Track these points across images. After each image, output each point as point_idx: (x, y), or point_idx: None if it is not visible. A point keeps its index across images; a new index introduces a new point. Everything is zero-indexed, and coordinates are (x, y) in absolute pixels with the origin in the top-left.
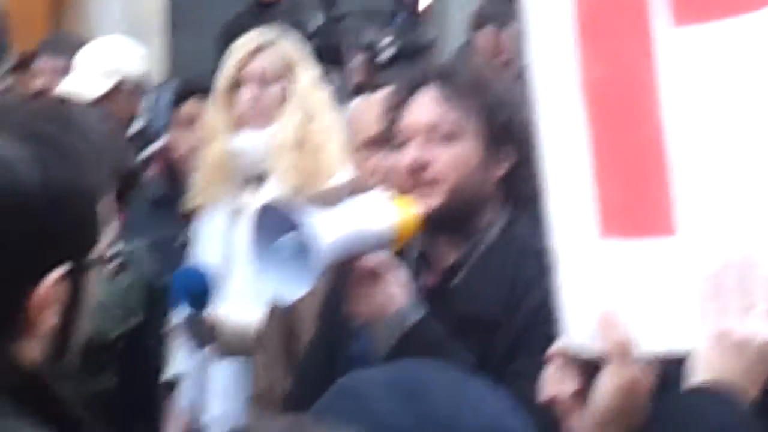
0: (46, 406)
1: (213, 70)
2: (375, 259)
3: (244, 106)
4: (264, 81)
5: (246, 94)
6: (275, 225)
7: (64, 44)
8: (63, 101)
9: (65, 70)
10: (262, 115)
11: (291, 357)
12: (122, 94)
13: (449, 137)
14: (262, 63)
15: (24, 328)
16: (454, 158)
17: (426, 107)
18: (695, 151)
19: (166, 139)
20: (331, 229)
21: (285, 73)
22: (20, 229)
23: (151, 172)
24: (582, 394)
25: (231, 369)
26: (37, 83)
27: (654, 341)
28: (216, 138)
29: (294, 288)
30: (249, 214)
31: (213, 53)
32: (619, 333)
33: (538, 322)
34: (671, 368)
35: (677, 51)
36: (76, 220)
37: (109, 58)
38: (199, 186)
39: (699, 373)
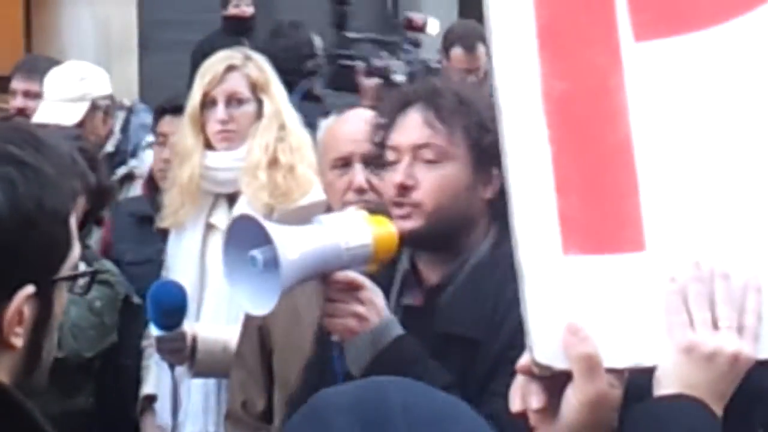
0: (16, 424)
1: (183, 89)
2: (347, 276)
3: (214, 127)
4: (234, 101)
5: (216, 114)
6: (248, 238)
7: (37, 67)
8: (29, 122)
9: (38, 93)
10: (232, 135)
11: (267, 374)
12: (94, 116)
13: (436, 159)
14: (232, 84)
15: None
16: (439, 181)
17: (413, 128)
18: (663, 166)
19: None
20: (299, 245)
21: (255, 93)
22: None
23: (140, 189)
24: (551, 407)
25: (205, 387)
26: (14, 104)
27: (620, 356)
28: (187, 157)
29: (262, 302)
30: (221, 233)
31: (182, 73)
32: (584, 348)
33: (519, 343)
34: (638, 381)
35: (641, 65)
36: (43, 239)
37: (77, 84)
38: (171, 205)
39: (666, 386)
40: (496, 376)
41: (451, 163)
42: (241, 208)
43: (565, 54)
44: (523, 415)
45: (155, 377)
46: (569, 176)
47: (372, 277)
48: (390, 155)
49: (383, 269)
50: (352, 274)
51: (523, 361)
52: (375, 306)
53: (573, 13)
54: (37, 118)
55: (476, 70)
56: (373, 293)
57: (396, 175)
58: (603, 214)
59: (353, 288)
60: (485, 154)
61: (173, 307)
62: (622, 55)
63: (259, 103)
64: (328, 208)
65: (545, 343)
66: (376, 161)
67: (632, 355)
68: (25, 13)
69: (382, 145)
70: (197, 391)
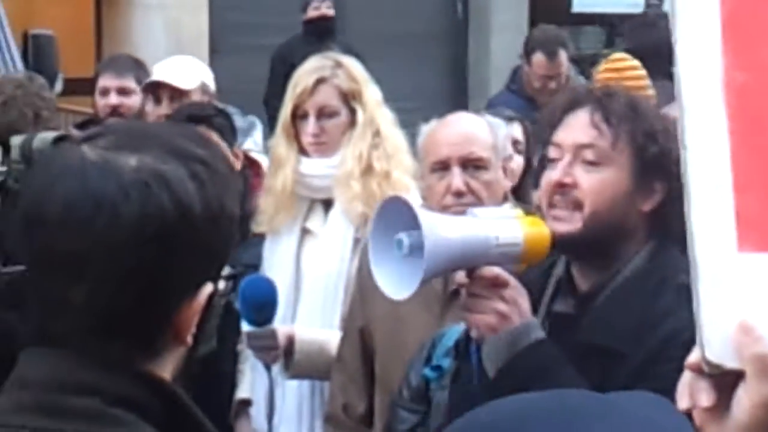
0: (182, 427)
1: (254, 93)
2: (493, 271)
3: (307, 138)
4: (325, 114)
5: (308, 127)
6: (398, 220)
7: (125, 65)
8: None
9: (132, 90)
10: (325, 148)
11: (368, 377)
12: (201, 97)
13: (597, 161)
14: (322, 97)
15: (168, 344)
16: (599, 183)
17: (578, 128)
18: None
19: None
20: (448, 232)
21: (347, 102)
22: (183, 244)
23: None
24: (720, 406)
25: (299, 391)
26: (108, 102)
27: None
28: (281, 165)
29: (402, 287)
30: (317, 238)
31: (253, 77)
32: (757, 348)
33: (664, 358)
34: None
35: None
36: (226, 238)
37: (195, 65)
38: (266, 211)
39: None
40: (635, 389)
41: (612, 167)
42: (336, 215)
43: (748, 46)
44: (688, 414)
45: (250, 381)
46: (747, 171)
47: (525, 280)
48: (552, 152)
49: (539, 273)
50: (498, 270)
51: (693, 358)
52: (518, 306)
53: (758, 5)
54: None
55: (557, 77)
56: (518, 293)
57: (554, 173)
58: None
59: (498, 285)
60: (649, 165)
61: (263, 302)
62: None
63: (352, 111)
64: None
65: (717, 341)
66: (479, 164)
67: None
68: (96, 18)
69: (547, 143)
70: (291, 395)
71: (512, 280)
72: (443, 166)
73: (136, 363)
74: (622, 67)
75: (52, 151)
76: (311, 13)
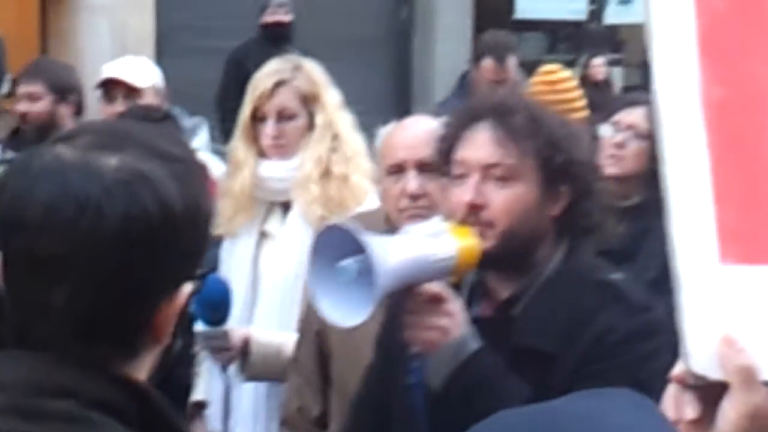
0: (158, 430)
1: (200, 95)
2: (433, 289)
3: (266, 141)
4: (285, 116)
5: (268, 129)
6: (334, 248)
7: (39, 68)
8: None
9: (40, 96)
10: (284, 150)
11: (324, 380)
12: (153, 98)
13: (505, 178)
14: (281, 99)
15: (146, 345)
16: (509, 200)
17: (482, 146)
18: None
19: None
20: (394, 254)
21: (306, 105)
22: (165, 244)
23: None
24: (705, 419)
25: (255, 393)
26: (19, 108)
27: None
28: (239, 168)
29: (351, 314)
30: (275, 240)
31: (199, 79)
32: (740, 359)
33: (595, 357)
34: None
35: None
36: (203, 237)
37: (147, 66)
38: (224, 214)
39: None
40: (572, 390)
41: (520, 182)
42: (295, 218)
43: (725, 61)
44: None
45: (205, 384)
46: (728, 184)
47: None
48: (456, 169)
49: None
50: (438, 287)
51: (677, 370)
52: (458, 319)
53: (734, 20)
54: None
55: (506, 82)
56: (455, 305)
57: (465, 194)
58: (760, 223)
59: (438, 301)
60: (555, 173)
61: (217, 302)
62: None
63: (311, 114)
64: (387, 217)
65: (701, 353)
66: (433, 169)
67: None
68: (41, 19)
69: (446, 157)
70: (247, 397)
71: (450, 294)
72: (399, 169)
73: (114, 365)
74: (555, 80)
75: (28, 153)
76: (268, 18)
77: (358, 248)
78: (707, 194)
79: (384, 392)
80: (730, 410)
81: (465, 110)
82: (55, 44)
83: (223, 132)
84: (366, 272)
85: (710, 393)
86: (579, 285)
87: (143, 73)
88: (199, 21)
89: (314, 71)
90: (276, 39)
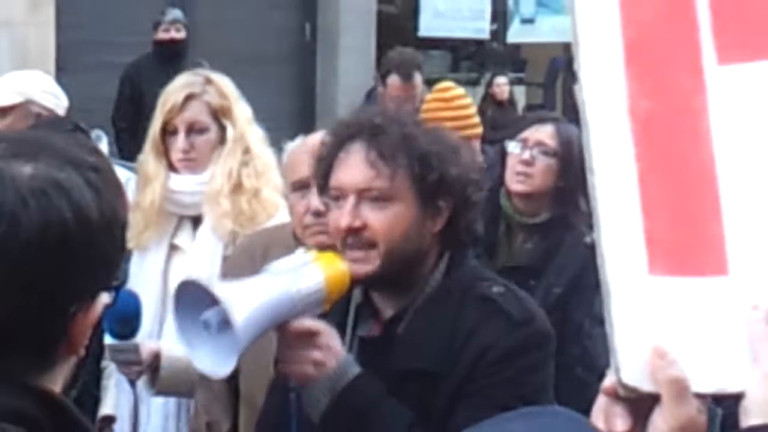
0: None
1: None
2: (302, 325)
3: (177, 155)
4: (195, 130)
5: (178, 143)
6: (198, 300)
7: None
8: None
9: None
10: (194, 164)
11: (233, 395)
12: (21, 117)
13: (382, 198)
14: (192, 113)
15: (61, 355)
16: (388, 221)
17: (355, 169)
18: (746, 191)
19: None
20: (250, 301)
21: (217, 118)
22: (81, 253)
23: None
24: (634, 431)
25: (165, 408)
26: None
27: (705, 380)
28: (149, 181)
29: (221, 363)
30: (185, 254)
31: (100, 95)
32: (672, 371)
33: (477, 374)
34: (734, 409)
35: (724, 89)
36: (119, 246)
37: (20, 83)
38: (134, 227)
39: (755, 415)
40: (456, 409)
41: (397, 202)
42: (205, 232)
43: (650, 73)
44: None
45: (114, 398)
46: (655, 196)
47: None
48: (334, 192)
49: (337, 301)
50: (308, 322)
51: (608, 382)
52: (332, 350)
53: (658, 32)
54: None
55: (412, 98)
56: (330, 337)
57: (342, 219)
58: (687, 235)
59: (309, 335)
60: (430, 190)
61: (126, 315)
62: (706, 78)
63: (222, 128)
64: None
65: (632, 365)
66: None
67: (718, 380)
68: None
69: (325, 178)
70: (157, 412)
71: (322, 327)
72: (304, 186)
73: (28, 376)
74: (449, 97)
75: None
76: (161, 35)
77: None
78: (635, 206)
79: (278, 426)
80: (661, 423)
81: (339, 129)
82: None
83: (119, 148)
84: (227, 321)
85: (640, 405)
86: (459, 300)
87: (8, 90)
88: (101, 36)
89: (225, 85)
90: (169, 56)
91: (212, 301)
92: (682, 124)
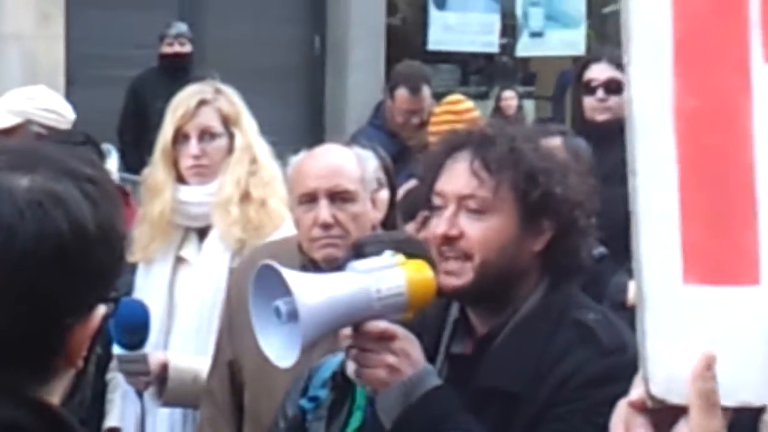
0: None
1: (110, 124)
2: (378, 326)
3: (187, 162)
4: (207, 136)
5: (190, 149)
6: (275, 287)
7: None
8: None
9: None
10: (205, 171)
11: (237, 410)
12: (25, 136)
13: (482, 210)
14: (204, 118)
15: (59, 368)
16: (485, 232)
17: (459, 177)
18: None
19: None
20: (322, 293)
21: (227, 126)
22: (78, 265)
23: None
24: None
25: (171, 419)
26: None
27: (730, 393)
28: (158, 192)
29: (286, 353)
30: (191, 266)
31: (109, 108)
32: (708, 384)
33: (559, 399)
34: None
35: None
36: (117, 258)
37: (18, 102)
38: (141, 240)
39: None
40: (536, 431)
41: (497, 215)
42: (213, 242)
43: (698, 70)
44: None
45: (119, 410)
46: (694, 200)
47: (422, 321)
48: (436, 200)
49: (435, 313)
50: (384, 324)
51: (635, 395)
52: (409, 357)
53: (709, 27)
54: None
55: (420, 111)
56: (408, 343)
57: (440, 226)
58: (722, 243)
59: (385, 338)
60: (533, 207)
61: (136, 325)
62: (752, 76)
63: (231, 136)
64: (300, 245)
65: (661, 376)
66: (344, 198)
67: (744, 393)
68: None
69: (430, 188)
70: (163, 424)
71: (400, 332)
72: (310, 199)
73: (26, 388)
74: (461, 110)
75: None
76: (165, 49)
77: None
78: (674, 211)
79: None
80: None
81: (447, 140)
82: None
83: (124, 162)
84: (296, 314)
85: (663, 415)
86: (554, 324)
87: (5, 112)
88: (111, 50)
89: (233, 96)
90: (174, 70)
91: (287, 289)
92: (724, 124)
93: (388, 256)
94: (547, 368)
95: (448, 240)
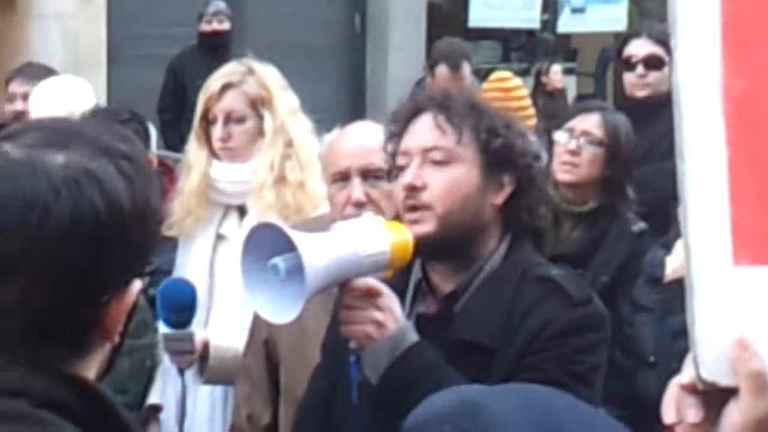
0: (108, 429)
1: (150, 103)
2: (366, 283)
3: (216, 144)
4: (233, 119)
5: (216, 131)
6: (266, 246)
7: (36, 73)
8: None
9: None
10: (233, 153)
11: (273, 387)
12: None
13: (445, 161)
14: (228, 102)
15: (95, 343)
16: (449, 182)
17: (422, 132)
18: None
19: None
20: (323, 252)
21: (256, 109)
22: (114, 241)
23: None
24: (705, 423)
25: (212, 397)
26: (13, 108)
27: None
28: (192, 168)
29: (283, 311)
30: (231, 243)
31: (150, 87)
32: (754, 364)
33: (533, 349)
34: None
35: None
36: (152, 234)
37: (61, 99)
38: (177, 214)
39: None
40: (511, 382)
41: (459, 164)
42: (252, 219)
43: (747, 52)
44: (671, 428)
45: (160, 387)
46: (744, 182)
47: (385, 284)
48: (401, 160)
49: (397, 277)
50: (371, 281)
51: (687, 378)
52: (393, 313)
53: (757, 10)
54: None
55: (460, 89)
56: (390, 299)
57: (405, 177)
58: None
59: (372, 295)
60: (495, 158)
61: (183, 304)
62: None
63: (261, 118)
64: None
65: (711, 358)
66: (378, 176)
67: None
68: None
69: (394, 154)
70: (204, 401)
71: (384, 288)
72: (343, 177)
73: (64, 363)
74: (509, 87)
75: None
76: (204, 27)
77: (288, 246)
78: (723, 194)
79: (332, 394)
80: (737, 415)
81: (408, 106)
82: (6, 52)
83: (164, 140)
84: (296, 270)
85: (714, 395)
86: (518, 280)
87: (61, 105)
88: (151, 29)
89: (268, 75)
90: (212, 48)
91: (284, 247)
92: None
93: (370, 217)
94: (518, 321)
95: (413, 190)
